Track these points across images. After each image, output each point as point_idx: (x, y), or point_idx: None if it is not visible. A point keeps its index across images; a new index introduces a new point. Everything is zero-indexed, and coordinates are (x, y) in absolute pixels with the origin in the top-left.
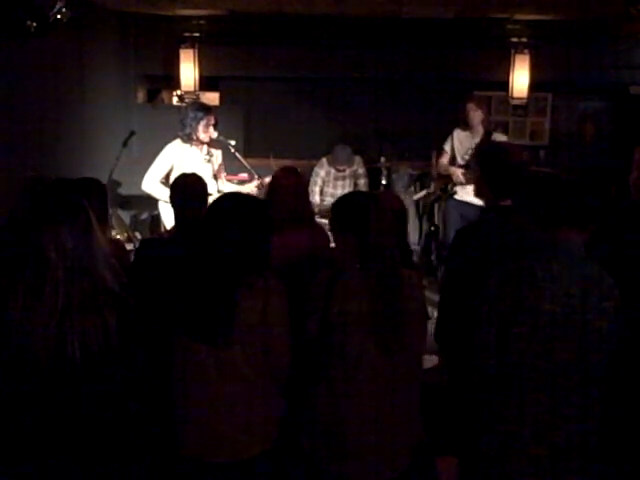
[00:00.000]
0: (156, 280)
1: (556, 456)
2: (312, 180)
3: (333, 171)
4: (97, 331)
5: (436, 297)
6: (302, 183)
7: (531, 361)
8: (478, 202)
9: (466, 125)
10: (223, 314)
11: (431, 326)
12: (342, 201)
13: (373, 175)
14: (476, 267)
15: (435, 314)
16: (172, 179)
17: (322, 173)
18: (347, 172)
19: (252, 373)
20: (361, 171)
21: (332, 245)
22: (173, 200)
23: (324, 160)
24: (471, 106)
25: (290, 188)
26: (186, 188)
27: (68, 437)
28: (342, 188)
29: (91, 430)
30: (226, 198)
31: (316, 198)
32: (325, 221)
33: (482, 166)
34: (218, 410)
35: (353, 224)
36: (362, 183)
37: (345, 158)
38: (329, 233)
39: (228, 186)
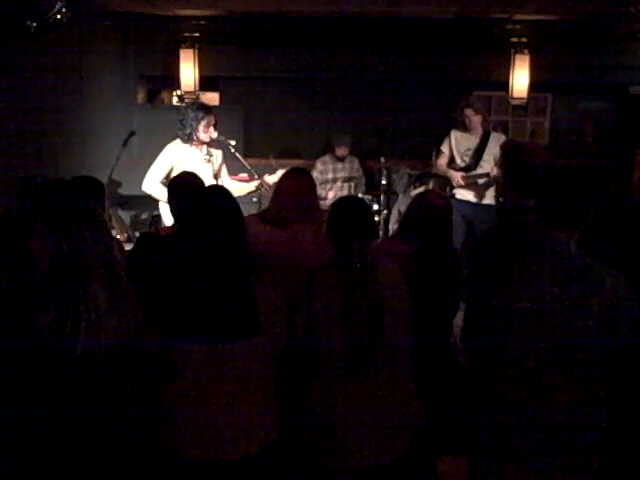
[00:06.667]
0: (156, 279)
1: (540, 452)
2: None
3: (331, 168)
4: (121, 329)
5: None
6: (306, 183)
7: (511, 358)
8: (479, 201)
9: (464, 128)
10: (245, 308)
11: None
12: (332, 207)
13: (373, 175)
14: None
15: None
16: None
17: (315, 174)
18: (347, 165)
19: (253, 368)
20: (358, 173)
21: None
22: (171, 199)
23: (317, 163)
24: (470, 112)
25: (291, 189)
26: (185, 186)
27: (75, 435)
28: (340, 190)
29: (96, 428)
30: (218, 196)
31: None
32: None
33: (507, 168)
34: (218, 409)
35: (332, 225)
36: (361, 184)
37: (345, 141)
38: None
39: (231, 185)
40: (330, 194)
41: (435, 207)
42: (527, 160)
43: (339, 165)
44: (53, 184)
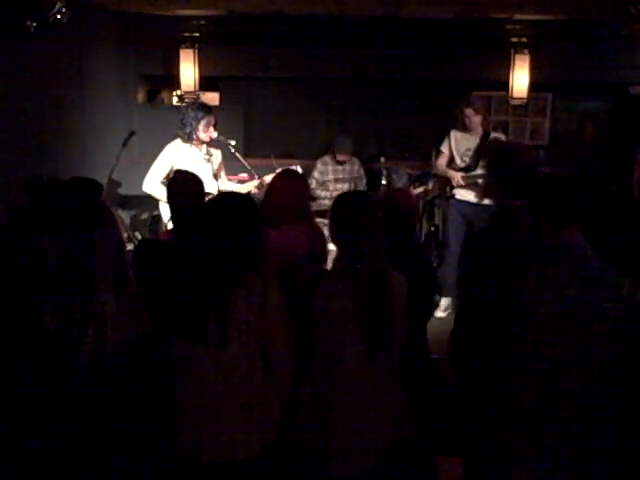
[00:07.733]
0: (152, 281)
1: (542, 456)
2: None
3: (331, 169)
4: (128, 331)
5: (436, 296)
6: (297, 185)
7: (521, 362)
8: (479, 201)
9: (464, 128)
10: (216, 315)
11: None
12: (338, 201)
13: (373, 175)
14: (491, 272)
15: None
16: None
17: (316, 174)
18: (347, 167)
19: (250, 372)
20: (359, 173)
21: (329, 244)
22: (170, 199)
23: (318, 164)
24: (470, 112)
25: (283, 190)
26: (183, 186)
27: (77, 435)
28: (341, 191)
29: (97, 429)
30: (220, 197)
31: None
32: (324, 220)
33: (493, 167)
34: (217, 410)
35: (347, 225)
36: (361, 184)
37: (346, 148)
38: (325, 232)
39: (229, 185)
40: (330, 194)
41: (400, 207)
42: (516, 160)
43: (339, 167)
44: (62, 185)
